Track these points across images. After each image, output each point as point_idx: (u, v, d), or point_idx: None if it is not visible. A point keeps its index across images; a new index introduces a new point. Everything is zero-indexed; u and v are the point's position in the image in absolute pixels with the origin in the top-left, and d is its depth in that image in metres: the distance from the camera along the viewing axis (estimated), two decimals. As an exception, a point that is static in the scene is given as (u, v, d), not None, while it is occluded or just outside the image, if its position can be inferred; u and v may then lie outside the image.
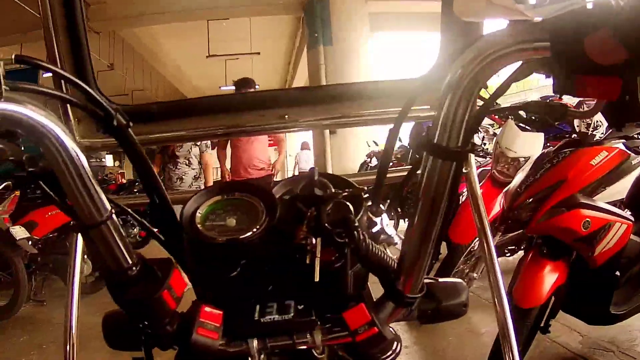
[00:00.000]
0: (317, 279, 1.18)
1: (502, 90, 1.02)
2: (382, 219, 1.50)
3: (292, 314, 1.29)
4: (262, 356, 1.29)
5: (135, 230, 10.50)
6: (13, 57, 0.92)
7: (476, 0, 0.84)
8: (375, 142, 13.17)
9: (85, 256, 1.90)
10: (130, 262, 1.16)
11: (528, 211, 3.87)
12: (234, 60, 18.89)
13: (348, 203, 1.25)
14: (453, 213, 5.22)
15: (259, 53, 18.31)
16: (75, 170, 1.01)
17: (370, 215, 1.48)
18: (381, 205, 1.51)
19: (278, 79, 27.40)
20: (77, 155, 1.00)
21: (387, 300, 1.27)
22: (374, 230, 1.48)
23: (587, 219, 3.63)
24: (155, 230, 1.42)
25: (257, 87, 5.83)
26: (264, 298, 1.32)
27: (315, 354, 1.31)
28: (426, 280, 1.33)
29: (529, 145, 5.31)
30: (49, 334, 6.48)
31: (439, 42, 2.09)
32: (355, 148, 13.39)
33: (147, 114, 2.08)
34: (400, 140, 12.05)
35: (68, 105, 1.96)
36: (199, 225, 1.30)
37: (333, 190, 1.32)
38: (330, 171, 13.63)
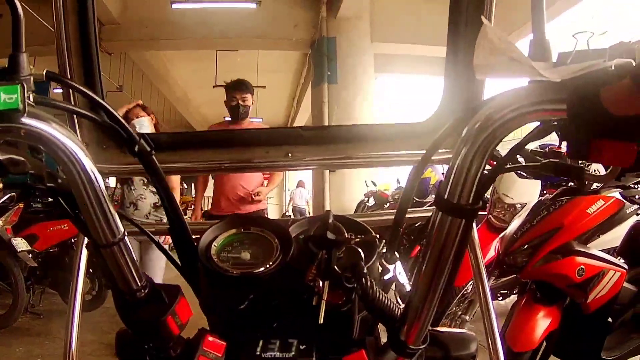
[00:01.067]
0: (321, 321, 1.20)
1: (518, 148, 1.02)
2: (395, 267, 1.51)
3: (293, 353, 1.30)
4: None
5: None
6: (44, 73, 0.94)
7: (497, 57, 0.83)
8: (373, 182, 13.12)
9: (85, 274, 1.93)
10: (140, 284, 1.19)
11: (524, 256, 3.93)
12: (241, 93, 18.87)
13: (360, 249, 1.28)
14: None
15: (264, 87, 18.35)
16: (93, 192, 1.02)
17: (384, 263, 1.49)
18: (396, 253, 1.51)
19: (282, 113, 27.32)
20: (95, 177, 1.02)
21: (389, 349, 1.27)
22: (387, 277, 1.50)
23: (582, 266, 3.71)
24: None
25: (251, 96, 5.56)
26: (268, 334, 1.34)
27: None
28: (435, 329, 1.34)
29: (526, 191, 5.35)
30: (45, 347, 6.52)
31: (443, 87, 2.08)
32: (354, 187, 13.43)
33: (155, 143, 2.07)
34: (398, 182, 12.12)
35: (82, 124, 1.96)
36: (214, 256, 1.35)
37: (346, 234, 1.33)
38: (327, 209, 13.60)
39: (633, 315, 4.27)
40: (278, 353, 1.30)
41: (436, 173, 8.89)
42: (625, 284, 4.05)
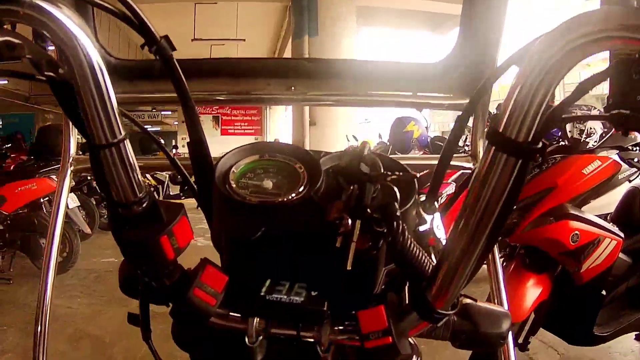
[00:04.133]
0: (349, 267, 1.06)
1: (587, 86, 0.85)
2: (433, 218, 1.38)
3: (302, 299, 1.15)
4: (260, 338, 1.17)
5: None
6: None
7: None
8: (354, 137, 13.09)
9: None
10: (138, 196, 1.08)
11: (512, 218, 3.73)
12: (219, 46, 18.84)
13: (396, 188, 1.15)
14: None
15: (244, 39, 18.26)
16: (96, 85, 0.96)
17: (421, 211, 1.37)
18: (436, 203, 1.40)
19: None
20: (101, 69, 0.96)
21: (412, 310, 1.12)
22: (422, 228, 1.37)
23: (576, 232, 3.49)
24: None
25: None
26: (277, 274, 1.20)
27: (320, 351, 1.17)
28: (467, 300, 1.22)
29: None
30: (13, 315, 6.34)
31: (459, 28, 1.98)
32: (335, 141, 13.18)
33: (147, 69, 1.97)
34: (380, 137, 11.96)
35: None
36: (232, 182, 1.23)
37: (382, 170, 1.17)
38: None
39: (627, 288, 4.09)
40: (285, 297, 1.15)
41: (419, 127, 8.80)
42: (620, 255, 3.84)
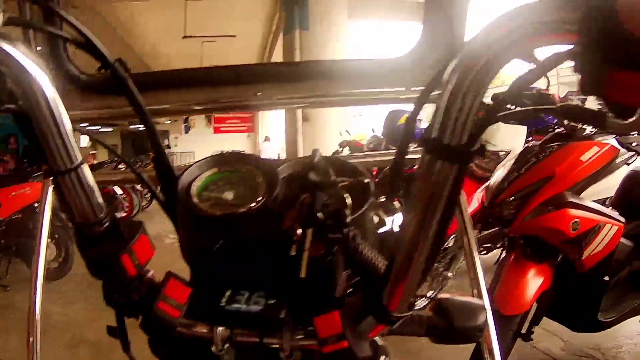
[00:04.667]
0: (303, 274, 1.09)
1: (524, 81, 0.82)
2: (393, 220, 1.37)
3: (260, 307, 1.18)
4: (227, 346, 1.20)
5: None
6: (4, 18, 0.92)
7: None
8: (347, 132, 13.14)
9: (51, 239, 1.81)
10: (99, 217, 1.13)
11: (511, 208, 3.71)
12: (211, 43, 18.84)
13: (347, 195, 1.17)
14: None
15: (234, 36, 18.24)
16: (51, 115, 1.00)
17: (380, 213, 1.37)
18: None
19: (254, 62, 27.58)
20: (57, 103, 1.00)
21: (367, 313, 1.13)
22: (382, 230, 1.36)
23: (576, 220, 3.48)
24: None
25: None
26: (238, 283, 1.23)
27: (284, 357, 1.19)
28: (441, 295, 1.24)
29: (510, 138, 5.22)
30: (10, 320, 6.35)
31: (423, 18, 1.98)
32: (328, 137, 13.23)
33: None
34: (373, 131, 12.01)
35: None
36: (194, 196, 1.28)
37: (333, 177, 1.20)
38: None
39: (630, 273, 4.08)
40: (244, 306, 1.19)
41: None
42: (622, 239, 3.82)
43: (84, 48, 1.16)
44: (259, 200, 1.24)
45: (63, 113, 1.02)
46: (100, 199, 1.13)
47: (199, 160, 1.40)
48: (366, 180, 1.30)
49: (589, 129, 3.88)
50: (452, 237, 4.97)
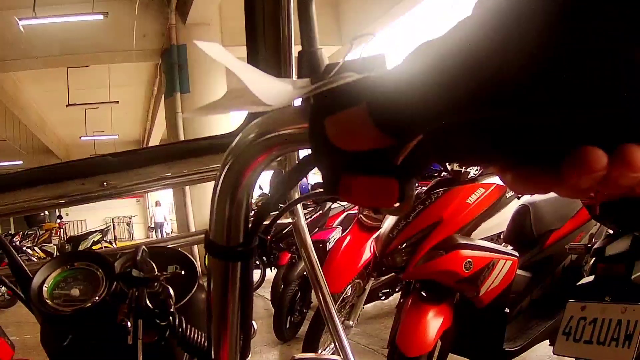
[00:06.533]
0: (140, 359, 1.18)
1: (282, 186, 0.81)
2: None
3: None
4: None
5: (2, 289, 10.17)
6: None
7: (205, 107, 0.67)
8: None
9: None
10: None
11: (403, 256, 3.79)
12: (94, 110, 18.63)
13: (168, 286, 1.27)
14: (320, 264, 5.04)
15: (117, 102, 18.13)
16: None
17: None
18: None
19: (138, 127, 27.44)
20: None
21: None
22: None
23: (469, 260, 3.60)
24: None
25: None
26: None
27: None
28: (298, 356, 1.37)
29: None
30: None
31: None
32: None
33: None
34: (261, 188, 12.08)
35: None
36: (45, 296, 1.34)
37: (155, 270, 1.30)
38: (191, 224, 13.71)
39: (530, 301, 4.22)
40: None
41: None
42: (519, 271, 3.98)
43: None
44: (101, 294, 1.32)
45: None
46: None
47: (48, 261, 1.45)
48: (183, 272, 1.40)
49: (472, 172, 4.02)
50: (348, 287, 5.02)
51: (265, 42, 1.87)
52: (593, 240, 4.01)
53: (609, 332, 2.71)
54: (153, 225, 32.48)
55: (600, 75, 0.34)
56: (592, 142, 0.36)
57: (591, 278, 3.13)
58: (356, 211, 5.87)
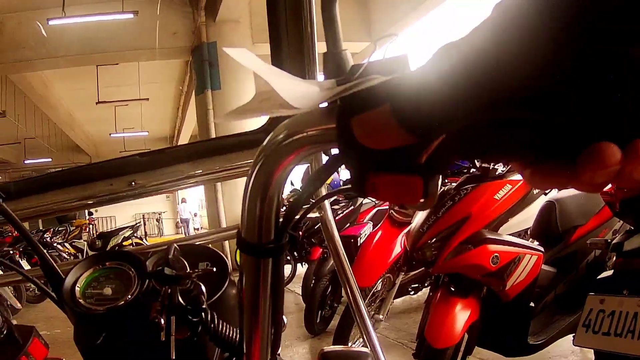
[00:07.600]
0: (173, 356, 1.21)
1: (315, 183, 0.83)
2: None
3: None
4: None
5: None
6: None
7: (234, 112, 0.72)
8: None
9: None
10: None
11: (433, 250, 3.86)
12: (123, 107, 18.69)
13: (200, 283, 1.29)
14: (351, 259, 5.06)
15: (147, 99, 18.11)
16: None
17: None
18: None
19: (167, 124, 27.35)
20: None
21: None
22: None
23: (496, 254, 3.66)
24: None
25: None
26: None
27: None
28: (327, 349, 1.36)
29: None
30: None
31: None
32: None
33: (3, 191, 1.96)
34: (292, 184, 12.10)
35: None
36: (78, 296, 1.37)
37: (188, 268, 1.35)
38: (222, 220, 13.63)
39: (555, 296, 4.27)
40: None
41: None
42: (544, 267, 4.03)
43: None
44: (133, 292, 1.36)
45: None
46: None
47: (80, 261, 1.48)
48: (214, 269, 1.42)
49: (500, 169, 4.07)
50: (379, 281, 5.06)
51: (288, 42, 1.90)
52: (614, 236, 4.05)
53: (626, 324, 2.77)
54: (180, 221, 34.63)
55: (615, 74, 0.38)
56: (606, 138, 0.40)
57: (610, 272, 3.19)
58: (387, 207, 5.86)
